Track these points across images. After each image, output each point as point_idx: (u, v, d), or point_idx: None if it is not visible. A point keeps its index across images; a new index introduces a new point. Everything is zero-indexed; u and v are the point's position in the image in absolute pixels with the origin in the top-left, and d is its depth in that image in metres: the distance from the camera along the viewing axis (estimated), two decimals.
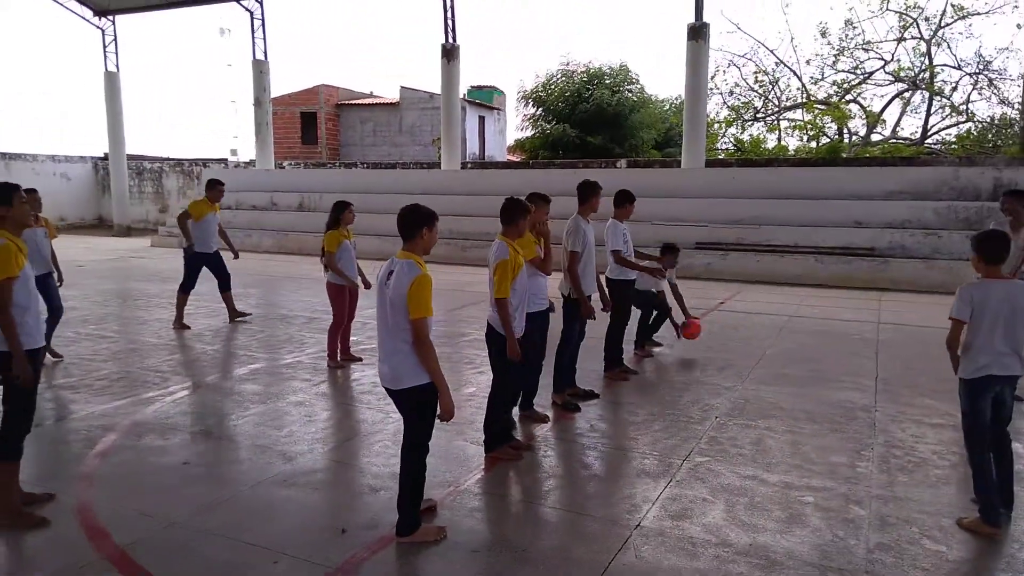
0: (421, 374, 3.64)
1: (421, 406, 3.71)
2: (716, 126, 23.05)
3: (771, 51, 23.41)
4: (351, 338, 7.66)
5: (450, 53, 19.61)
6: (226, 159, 28.49)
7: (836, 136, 23.34)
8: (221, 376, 7.09)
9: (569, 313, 6.10)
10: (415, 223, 3.76)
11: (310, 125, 34.33)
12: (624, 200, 6.95)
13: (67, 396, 6.24)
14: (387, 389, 3.76)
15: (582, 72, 25.22)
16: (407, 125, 33.02)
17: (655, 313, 8.09)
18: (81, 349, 7.99)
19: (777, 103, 23.55)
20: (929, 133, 22.63)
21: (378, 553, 3.70)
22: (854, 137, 23.49)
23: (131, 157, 26.41)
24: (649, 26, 67.23)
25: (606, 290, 6.81)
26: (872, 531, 3.95)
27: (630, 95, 24.94)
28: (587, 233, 6.08)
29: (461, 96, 34.30)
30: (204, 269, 9.32)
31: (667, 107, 28.52)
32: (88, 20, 24.47)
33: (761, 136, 23.55)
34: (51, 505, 4.12)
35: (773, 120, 23.89)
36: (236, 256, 9.97)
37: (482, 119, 34.88)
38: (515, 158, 27.98)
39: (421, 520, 3.84)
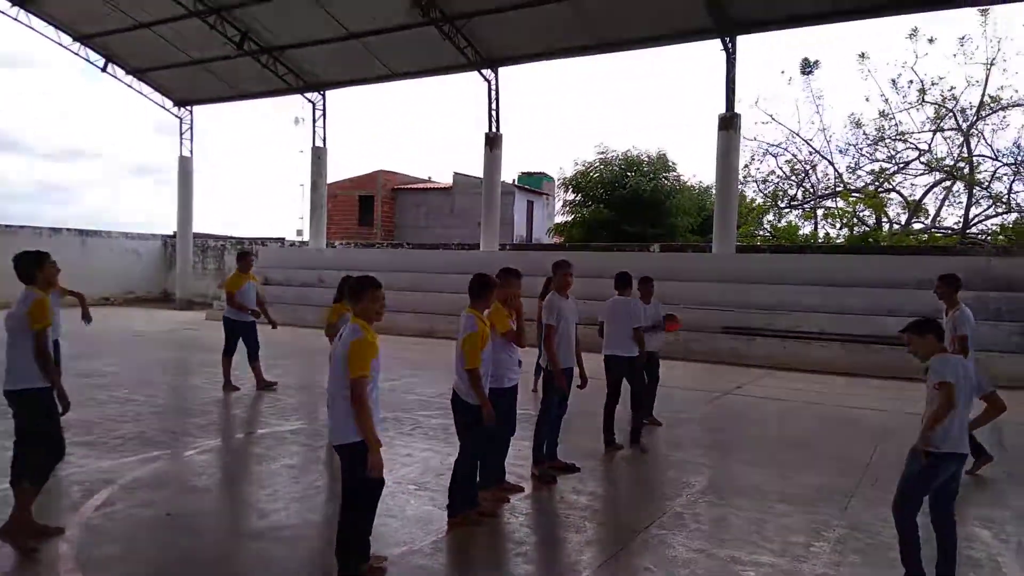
0: (353, 432, 3.95)
1: (353, 461, 4.00)
2: (750, 214, 23.25)
3: (806, 141, 23.77)
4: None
5: (493, 141, 20.59)
6: (283, 238, 29.98)
7: (875, 225, 23.25)
8: (226, 438, 7.52)
9: (547, 385, 6.35)
10: (360, 290, 4.15)
11: (368, 208, 35.97)
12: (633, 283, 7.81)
13: (81, 451, 6.73)
14: (331, 444, 4.08)
15: (620, 159, 25.99)
16: (459, 208, 34.21)
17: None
18: (109, 410, 8.57)
19: (813, 191, 23.70)
20: (971, 223, 22.35)
21: None
22: (894, 226, 23.36)
23: (197, 235, 28.10)
24: (688, 114, 68.90)
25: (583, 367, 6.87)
26: None
27: (666, 182, 25.52)
28: (563, 308, 6.38)
29: (511, 181, 35.69)
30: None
31: (706, 193, 29.06)
32: (168, 110, 26.67)
33: (795, 224, 23.65)
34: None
35: (808, 208, 23.99)
36: (273, 327, 10.37)
37: (531, 203, 35.97)
38: (556, 241, 28.62)
39: (362, 571, 4.08)
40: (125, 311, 24.19)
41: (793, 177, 23.63)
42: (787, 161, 23.41)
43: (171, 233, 28.58)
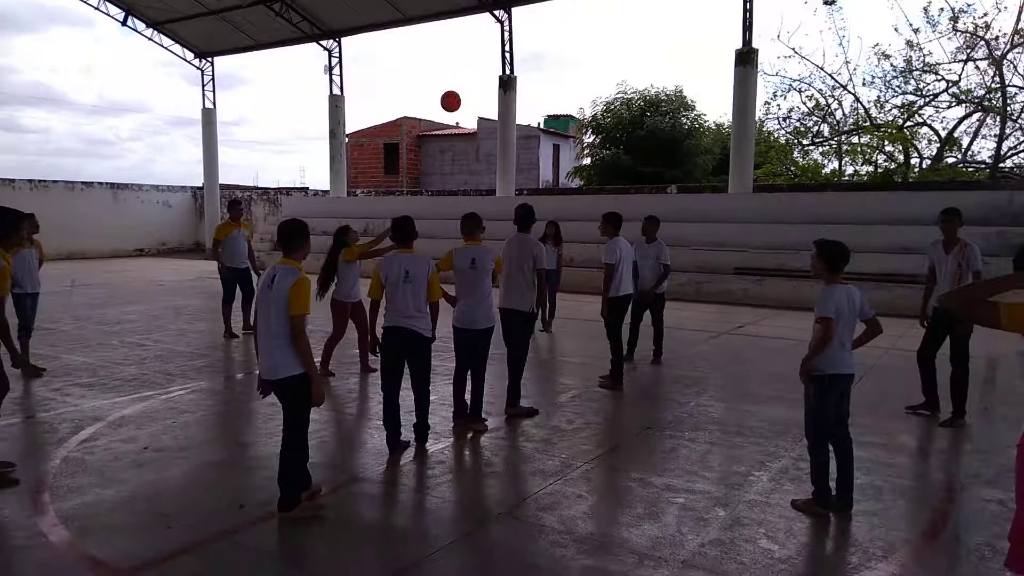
0: (297, 365, 4.17)
1: (297, 393, 4.22)
2: (770, 151, 22.63)
3: (829, 75, 22.89)
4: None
5: (507, 84, 20.37)
6: (306, 188, 30.34)
7: (902, 160, 22.46)
8: (217, 380, 7.87)
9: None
10: (297, 237, 4.33)
11: (393, 156, 36.08)
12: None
13: (78, 392, 7.16)
14: (267, 381, 4.29)
15: (639, 98, 25.44)
16: (484, 153, 34.09)
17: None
18: (116, 355, 9.01)
19: (837, 127, 22.91)
20: (1004, 157, 21.44)
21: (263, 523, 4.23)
22: (925, 161, 22.53)
23: (224, 187, 28.62)
24: (709, 50, 67.15)
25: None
26: (718, 530, 4.14)
27: (685, 121, 24.95)
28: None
29: (536, 125, 35.28)
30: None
31: (727, 132, 28.46)
32: (189, 62, 26.90)
33: (820, 162, 22.96)
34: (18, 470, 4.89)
35: (832, 145, 23.23)
36: (258, 274, 10.66)
37: (556, 147, 35.64)
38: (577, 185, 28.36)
39: (301, 498, 4.34)
40: (157, 261, 24.98)
41: (817, 113, 22.86)
42: (810, 96, 22.69)
43: (200, 185, 29.16)
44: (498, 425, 6.17)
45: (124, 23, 24.64)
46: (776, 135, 23.94)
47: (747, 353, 9.57)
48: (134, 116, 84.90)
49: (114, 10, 24.19)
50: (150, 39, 25.48)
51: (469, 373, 6.01)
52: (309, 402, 4.26)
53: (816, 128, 23.02)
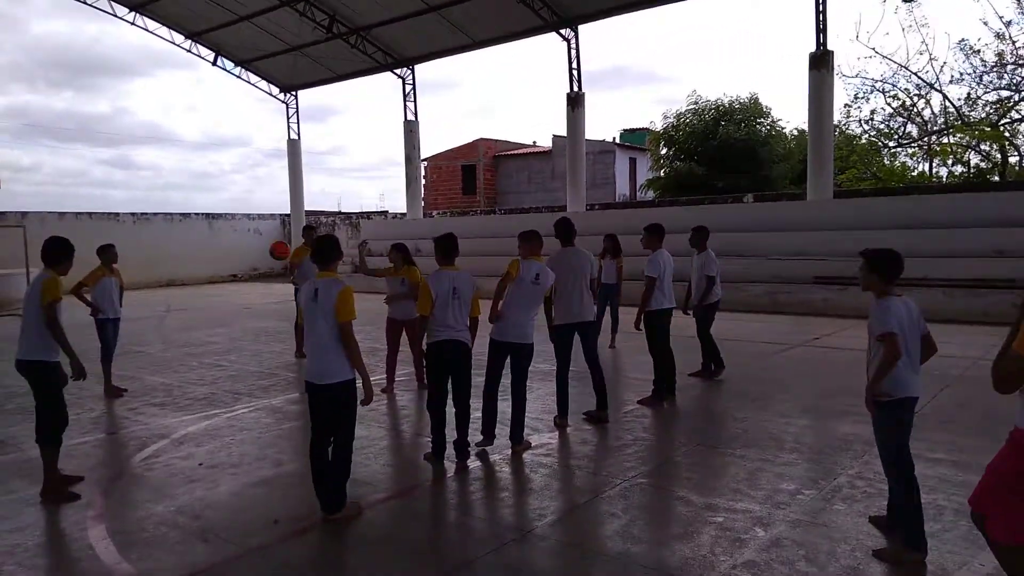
0: (347, 371, 4.37)
1: (346, 397, 4.44)
2: (851, 155, 21.54)
3: (914, 73, 21.63)
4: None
5: (575, 101, 20.39)
6: (385, 211, 31.15)
7: (999, 159, 20.94)
8: (280, 399, 8.11)
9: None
10: (333, 251, 4.51)
11: (470, 176, 36.62)
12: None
13: (151, 411, 7.54)
14: (315, 385, 4.44)
15: (712, 108, 24.88)
16: (559, 171, 34.10)
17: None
18: (191, 375, 9.46)
19: (925, 128, 21.61)
20: None
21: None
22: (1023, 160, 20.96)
23: (309, 212, 29.76)
24: (783, 55, 65.10)
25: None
26: (754, 551, 3.93)
27: (761, 128, 24.16)
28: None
29: (612, 140, 35.07)
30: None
31: (805, 138, 27.49)
32: (275, 96, 28.24)
33: (906, 164, 21.69)
34: (81, 485, 5.19)
35: (918, 146, 21.92)
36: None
37: (633, 160, 35.27)
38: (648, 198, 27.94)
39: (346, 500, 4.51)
40: (248, 286, 26.15)
41: (903, 113, 21.64)
42: (894, 97, 21.52)
43: (287, 212, 30.41)
44: (546, 441, 6.10)
45: (214, 63, 26.13)
46: (859, 138, 22.82)
47: (819, 366, 9.12)
48: (235, 150, 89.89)
49: (204, 51, 25.70)
50: (238, 77, 26.92)
51: (506, 392, 5.93)
52: (356, 405, 4.45)
53: (902, 129, 21.84)
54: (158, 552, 4.15)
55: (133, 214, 26.50)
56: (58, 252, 5.25)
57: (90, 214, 25.29)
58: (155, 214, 27.19)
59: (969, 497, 3.06)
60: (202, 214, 28.70)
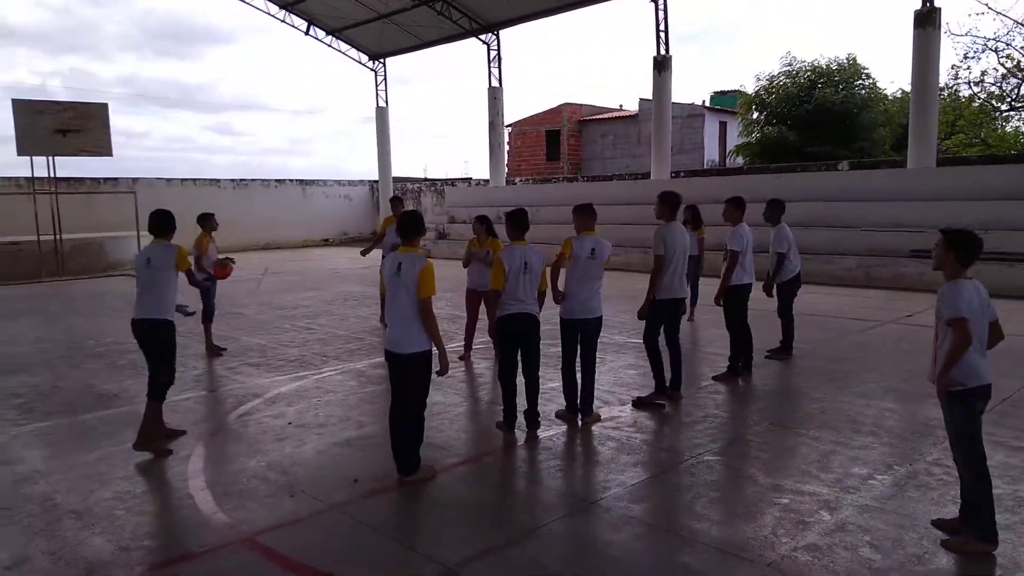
0: (424, 342, 4.61)
1: (422, 368, 4.68)
2: (959, 120, 20.10)
3: None
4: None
5: (661, 64, 19.92)
6: (469, 178, 31.45)
7: None
8: (364, 363, 8.49)
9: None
10: (417, 227, 4.72)
11: (554, 142, 36.43)
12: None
13: (247, 371, 8.06)
14: (393, 353, 4.70)
15: (807, 70, 23.68)
16: (645, 135, 33.46)
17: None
18: (284, 337, 10.01)
19: None
20: None
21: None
22: None
23: (396, 179, 30.42)
24: (885, 16, 60.40)
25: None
26: (817, 535, 3.94)
27: (860, 91, 22.82)
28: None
29: (702, 103, 34.07)
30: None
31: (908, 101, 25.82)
32: (364, 64, 28.79)
33: (1020, 129, 20.03)
34: (183, 438, 5.66)
35: None
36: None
37: (723, 124, 34.19)
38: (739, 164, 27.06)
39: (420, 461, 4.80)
40: (339, 250, 27.10)
41: (1017, 75, 19.98)
42: (1008, 56, 19.89)
43: (376, 179, 31.17)
44: (615, 414, 6.20)
45: (307, 33, 26.84)
46: (968, 102, 21.28)
47: (908, 345, 8.78)
48: (327, 116, 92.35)
49: (298, 21, 26.41)
50: (329, 45, 27.55)
51: (579, 366, 6.01)
52: (430, 376, 4.71)
53: (1016, 92, 20.20)
54: (250, 504, 4.52)
55: (233, 180, 27.77)
56: (169, 224, 5.71)
57: (194, 180, 26.70)
58: (253, 180, 28.40)
59: None
60: (296, 180, 29.78)
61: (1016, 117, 20.84)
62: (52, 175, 18.48)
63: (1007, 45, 20.01)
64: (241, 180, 28.02)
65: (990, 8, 20.71)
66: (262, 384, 7.48)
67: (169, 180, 25.91)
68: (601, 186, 22.49)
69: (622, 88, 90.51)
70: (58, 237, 18.45)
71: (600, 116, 36.28)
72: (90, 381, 7.75)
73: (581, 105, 36.46)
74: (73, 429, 6.13)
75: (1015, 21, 20.04)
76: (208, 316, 8.93)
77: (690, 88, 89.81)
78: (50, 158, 18.38)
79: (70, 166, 20.35)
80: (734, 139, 33.97)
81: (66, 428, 6.16)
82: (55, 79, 76.38)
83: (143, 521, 4.34)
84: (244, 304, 13.11)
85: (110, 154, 19.09)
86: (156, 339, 5.51)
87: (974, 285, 3.77)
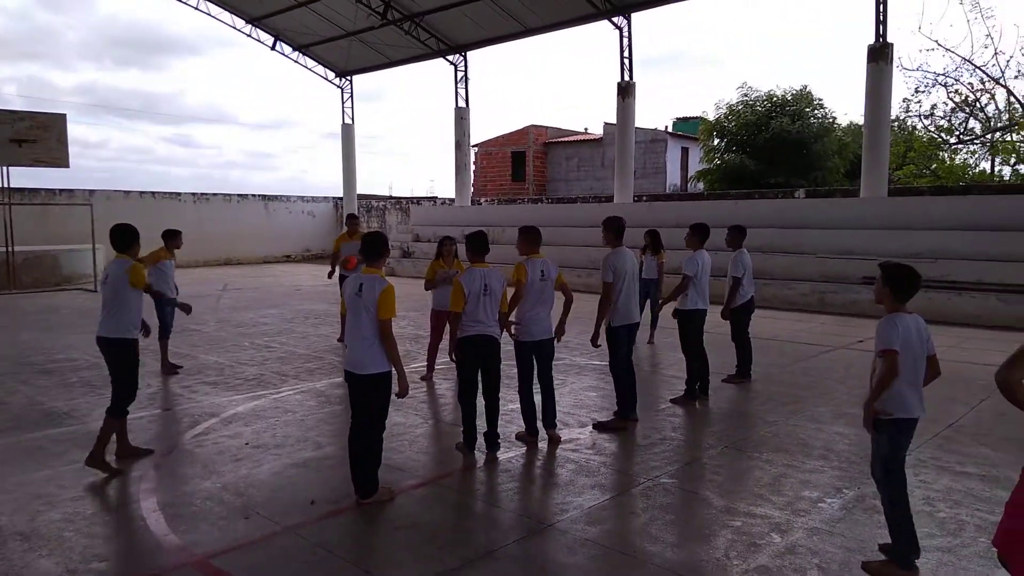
0: (383, 363, 4.63)
1: (381, 389, 4.69)
2: (908, 152, 20.85)
3: (978, 68, 20.74)
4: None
5: (625, 90, 20.29)
6: (435, 197, 31.51)
7: None
8: (323, 383, 8.44)
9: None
10: (380, 249, 4.75)
11: (520, 163, 36.71)
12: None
13: (204, 389, 7.95)
14: (352, 374, 4.71)
15: (763, 100, 24.36)
16: (609, 159, 33.93)
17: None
18: (243, 355, 9.88)
19: (988, 124, 20.76)
20: None
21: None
22: None
23: (361, 196, 30.32)
24: (840, 49, 62.73)
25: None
26: (767, 557, 4.03)
27: (813, 121, 23.54)
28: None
29: (664, 128, 34.69)
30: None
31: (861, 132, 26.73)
32: (330, 81, 28.73)
33: (967, 162, 20.88)
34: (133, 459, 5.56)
35: (981, 143, 21.08)
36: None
37: (685, 150, 34.85)
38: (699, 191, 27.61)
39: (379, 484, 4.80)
40: (301, 267, 26.83)
41: (965, 109, 20.84)
42: (956, 91, 20.75)
43: (340, 196, 31.00)
44: (575, 436, 6.25)
45: (273, 48, 26.73)
46: (919, 133, 22.09)
47: (858, 371, 9.00)
48: (291, 130, 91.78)
49: (264, 36, 26.30)
50: (295, 61, 27.46)
51: (537, 387, 6.07)
52: (389, 397, 4.72)
53: (964, 125, 21.06)
54: (203, 525, 4.46)
55: (194, 194, 27.37)
56: (127, 239, 5.62)
57: (153, 193, 26.24)
58: (214, 194, 28.02)
59: (993, 538, 2.82)
60: (259, 196, 29.47)
61: (964, 150, 21.72)
62: (7, 185, 18.03)
63: (956, 80, 20.95)
64: (203, 194, 27.63)
65: (940, 45, 21.64)
66: (219, 403, 7.38)
67: (127, 192, 25.44)
68: (566, 208, 22.76)
69: (587, 111, 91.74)
70: (10, 249, 17.98)
71: (565, 139, 36.71)
72: (39, 398, 7.56)
73: (547, 127, 36.87)
74: (20, 447, 5.98)
75: (963, 58, 20.97)
76: (165, 333, 8.78)
77: (653, 113, 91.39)
78: (4, 168, 17.94)
79: (25, 177, 19.89)
80: (696, 164, 34.64)
81: (13, 446, 6.00)
82: (11, 86, 74.76)
83: (93, 543, 4.25)
84: (203, 321, 12.91)
85: (67, 165, 18.67)
86: (114, 358, 5.44)
87: (913, 319, 3.87)
